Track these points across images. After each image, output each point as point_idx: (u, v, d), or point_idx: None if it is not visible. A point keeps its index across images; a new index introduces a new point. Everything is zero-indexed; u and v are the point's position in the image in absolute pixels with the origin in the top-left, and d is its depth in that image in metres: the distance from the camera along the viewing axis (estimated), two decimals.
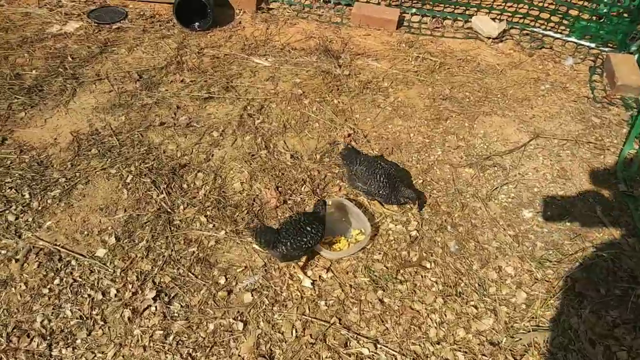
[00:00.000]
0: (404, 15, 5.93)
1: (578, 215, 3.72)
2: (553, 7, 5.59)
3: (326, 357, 2.82)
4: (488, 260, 3.40)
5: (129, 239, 3.37)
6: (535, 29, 5.76)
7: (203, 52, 5.19)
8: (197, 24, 5.49)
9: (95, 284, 3.09)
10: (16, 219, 3.43)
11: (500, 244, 3.50)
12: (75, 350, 2.79)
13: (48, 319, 2.91)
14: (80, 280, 3.11)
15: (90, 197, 3.62)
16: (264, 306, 3.05)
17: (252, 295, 3.10)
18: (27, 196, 3.57)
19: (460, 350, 2.89)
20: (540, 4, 5.66)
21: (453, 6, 6.02)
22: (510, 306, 3.13)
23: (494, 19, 5.78)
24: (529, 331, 2.99)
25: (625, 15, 5.38)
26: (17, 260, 3.18)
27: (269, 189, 3.75)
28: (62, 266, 3.17)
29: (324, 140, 4.24)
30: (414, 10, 5.95)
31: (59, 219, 3.46)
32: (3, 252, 3.22)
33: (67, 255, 3.23)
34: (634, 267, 3.35)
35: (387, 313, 3.06)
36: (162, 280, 3.14)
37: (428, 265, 3.33)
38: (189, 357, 2.79)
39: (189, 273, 3.19)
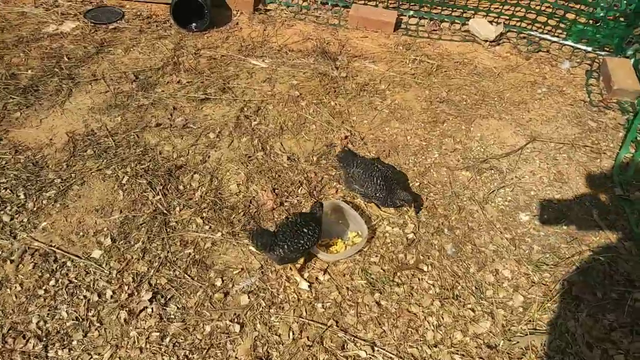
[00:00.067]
0: (401, 17, 5.93)
1: (575, 219, 3.73)
2: (550, 10, 5.61)
3: None
4: (485, 263, 3.40)
5: (125, 241, 3.35)
6: (532, 32, 5.78)
7: (200, 53, 5.17)
8: (194, 24, 5.47)
9: (91, 286, 3.07)
10: (11, 219, 3.40)
11: (497, 247, 3.50)
12: (72, 351, 2.77)
13: (44, 320, 2.89)
14: (76, 281, 3.09)
15: (85, 198, 3.60)
16: (261, 308, 3.04)
17: (249, 298, 3.09)
18: (22, 197, 3.54)
19: (457, 353, 2.89)
20: (538, 8, 5.67)
21: (450, 9, 6.03)
22: (508, 309, 3.13)
23: (491, 22, 5.78)
24: (526, 334, 2.99)
25: (622, 19, 5.40)
26: (12, 261, 3.15)
27: (265, 190, 3.74)
28: (58, 267, 3.15)
29: (320, 142, 4.23)
30: (411, 12, 5.96)
31: (54, 220, 3.43)
32: None
33: (62, 257, 3.21)
34: (631, 270, 3.36)
35: (384, 316, 3.05)
36: (158, 282, 3.13)
37: (425, 268, 3.33)
38: (185, 359, 2.79)
39: (185, 275, 3.18)
